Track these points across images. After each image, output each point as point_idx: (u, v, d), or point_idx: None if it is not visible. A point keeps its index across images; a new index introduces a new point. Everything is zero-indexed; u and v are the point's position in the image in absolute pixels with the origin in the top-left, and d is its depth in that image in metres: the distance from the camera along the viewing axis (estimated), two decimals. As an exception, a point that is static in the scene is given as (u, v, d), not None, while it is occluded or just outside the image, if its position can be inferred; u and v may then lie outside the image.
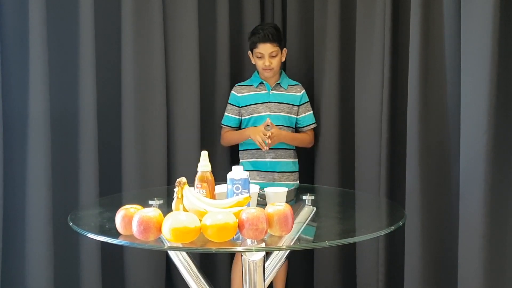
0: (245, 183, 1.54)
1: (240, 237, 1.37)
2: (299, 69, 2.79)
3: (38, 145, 2.26)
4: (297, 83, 2.68)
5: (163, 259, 2.59)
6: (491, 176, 1.89)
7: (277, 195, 1.70)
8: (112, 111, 2.52)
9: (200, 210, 1.40)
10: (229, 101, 2.66)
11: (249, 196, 1.47)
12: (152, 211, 1.36)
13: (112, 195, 2.38)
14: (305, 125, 2.64)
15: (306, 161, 2.75)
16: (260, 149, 2.52)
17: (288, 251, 1.82)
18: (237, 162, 2.62)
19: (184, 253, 1.71)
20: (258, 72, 2.64)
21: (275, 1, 2.88)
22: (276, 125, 2.54)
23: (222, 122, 2.67)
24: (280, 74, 2.65)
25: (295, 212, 1.60)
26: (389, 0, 2.33)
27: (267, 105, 2.59)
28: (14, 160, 2.27)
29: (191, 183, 1.51)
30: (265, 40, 2.52)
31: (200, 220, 1.34)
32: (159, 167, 2.57)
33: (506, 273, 1.93)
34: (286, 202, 1.67)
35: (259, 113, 2.58)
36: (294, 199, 2.04)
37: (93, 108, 2.41)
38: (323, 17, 2.65)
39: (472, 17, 1.91)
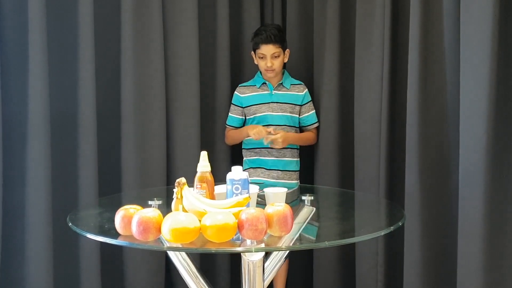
0: (245, 184, 1.54)
1: (240, 238, 1.37)
2: (299, 69, 2.79)
3: (37, 146, 2.26)
4: (300, 82, 2.69)
5: (162, 260, 2.59)
6: (491, 176, 1.89)
7: (277, 195, 1.70)
8: (112, 111, 2.52)
9: (200, 211, 1.40)
10: (232, 102, 2.68)
11: (249, 197, 1.47)
12: (151, 212, 1.36)
13: (112, 195, 2.38)
14: (308, 124, 2.66)
15: (306, 161, 2.75)
16: (264, 147, 2.55)
17: (288, 251, 1.82)
18: (236, 163, 2.61)
19: (183, 253, 1.71)
20: (261, 72, 2.65)
21: (275, 1, 2.88)
22: (279, 125, 2.56)
23: (226, 122, 2.70)
24: (283, 74, 2.66)
25: (295, 212, 1.60)
26: (389, 1, 2.33)
27: (270, 105, 2.60)
28: (14, 160, 2.27)
29: (190, 183, 1.51)
30: (267, 41, 2.54)
31: (200, 221, 1.34)
32: (158, 167, 2.57)
33: (505, 273, 1.93)
34: (289, 202, 1.67)
35: (261, 113, 2.60)
36: (298, 199, 2.04)
37: (93, 108, 2.40)
38: (323, 17, 2.65)
39: (472, 17, 1.91)
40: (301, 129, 2.68)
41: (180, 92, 2.62)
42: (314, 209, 1.79)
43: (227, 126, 2.71)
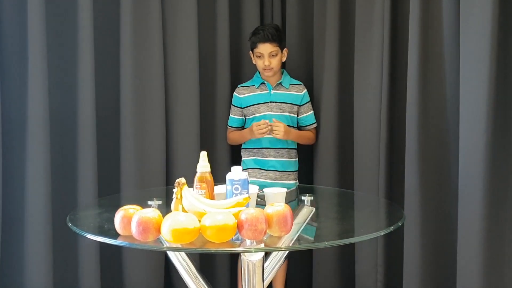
0: (244, 184, 1.54)
1: (239, 238, 1.37)
2: (299, 69, 2.79)
3: (37, 146, 2.26)
4: (299, 82, 2.68)
5: (162, 260, 2.59)
6: (490, 176, 1.90)
7: (276, 195, 1.70)
8: (111, 112, 2.52)
9: (200, 211, 1.40)
10: (232, 103, 2.68)
11: (248, 197, 1.47)
12: (151, 212, 1.36)
13: (111, 195, 2.38)
14: (307, 124, 2.65)
15: (305, 161, 2.75)
16: (262, 147, 2.56)
17: (288, 251, 1.82)
18: (236, 163, 2.61)
19: (183, 253, 1.71)
20: (259, 72, 2.65)
21: (275, 1, 2.87)
22: None
23: (228, 123, 2.70)
24: (282, 73, 2.66)
25: (294, 212, 1.60)
26: (388, 1, 2.33)
27: (268, 105, 2.60)
28: (13, 160, 2.27)
29: (190, 183, 1.51)
30: (264, 40, 2.54)
31: (199, 221, 1.34)
32: (158, 167, 2.57)
33: (505, 273, 1.94)
34: (287, 202, 1.67)
35: (260, 113, 2.59)
36: (296, 200, 2.04)
37: (92, 108, 2.40)
38: (323, 18, 2.65)
39: (471, 17, 1.91)
40: (299, 129, 2.68)
41: (179, 92, 2.62)
42: (314, 209, 1.79)
43: (228, 127, 2.71)
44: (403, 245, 2.23)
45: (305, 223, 1.63)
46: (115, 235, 1.42)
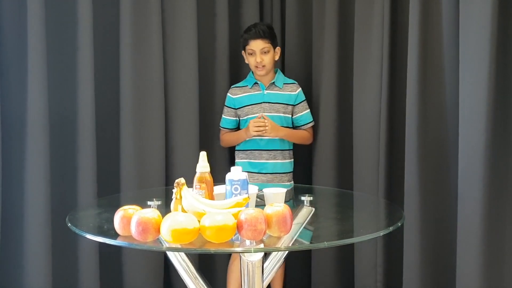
0: (244, 184, 1.54)
1: (239, 238, 1.37)
2: (298, 69, 2.79)
3: (36, 146, 2.26)
4: (293, 81, 2.66)
5: (161, 260, 2.59)
6: (490, 176, 1.90)
7: (276, 195, 1.70)
8: (111, 112, 2.52)
9: (199, 211, 1.40)
10: (225, 104, 2.65)
11: (248, 197, 1.47)
12: (150, 212, 1.36)
13: (111, 195, 2.38)
14: (303, 124, 2.62)
15: (304, 161, 2.75)
16: (254, 149, 2.54)
17: (287, 252, 1.82)
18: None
19: (182, 254, 1.71)
20: (253, 72, 2.63)
21: (274, 1, 2.88)
22: None
23: (220, 124, 2.68)
24: (276, 72, 2.63)
25: (294, 212, 1.60)
26: (388, 1, 2.33)
27: (262, 105, 2.57)
28: (13, 161, 2.27)
29: (189, 184, 1.51)
30: (256, 36, 2.52)
31: (199, 221, 1.34)
32: (157, 167, 2.57)
33: (504, 272, 1.94)
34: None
35: (254, 114, 2.56)
36: (291, 200, 2.03)
37: (92, 109, 2.40)
38: (322, 18, 2.65)
39: (471, 17, 1.91)
40: (295, 129, 2.65)
41: (179, 93, 2.61)
42: (313, 209, 1.79)
43: (221, 128, 2.68)
44: (402, 245, 2.23)
45: (304, 224, 1.63)
46: (115, 235, 1.42)
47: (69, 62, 2.38)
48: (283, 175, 2.57)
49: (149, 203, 1.75)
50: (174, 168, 2.62)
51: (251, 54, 2.55)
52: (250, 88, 2.61)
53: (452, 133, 2.07)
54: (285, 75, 2.70)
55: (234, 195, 1.53)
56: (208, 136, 2.72)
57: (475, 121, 1.90)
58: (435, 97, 2.14)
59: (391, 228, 1.53)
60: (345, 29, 2.60)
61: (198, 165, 1.57)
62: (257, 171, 2.55)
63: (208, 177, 1.57)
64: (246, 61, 2.62)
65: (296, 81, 2.67)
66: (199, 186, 1.55)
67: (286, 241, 1.42)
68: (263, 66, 2.54)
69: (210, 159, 1.61)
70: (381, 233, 1.57)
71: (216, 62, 2.73)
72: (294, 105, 2.61)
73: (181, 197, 1.43)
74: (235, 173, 1.55)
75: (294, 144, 2.64)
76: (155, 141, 2.56)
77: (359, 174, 2.50)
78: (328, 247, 2.51)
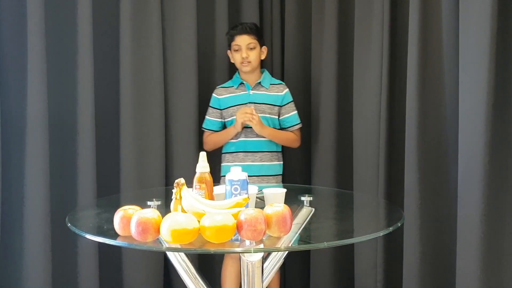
0: (244, 184, 1.54)
1: (239, 238, 1.37)
2: (297, 70, 2.79)
3: (36, 146, 2.26)
4: (281, 82, 2.62)
5: (161, 260, 2.59)
6: (489, 177, 1.89)
7: (276, 196, 1.70)
8: (110, 112, 2.52)
9: (199, 211, 1.40)
10: (210, 104, 2.60)
11: (248, 197, 1.47)
12: (150, 212, 1.36)
13: (110, 196, 2.38)
14: (289, 125, 2.57)
15: (304, 161, 2.75)
16: (240, 151, 2.49)
17: (287, 252, 1.82)
18: (235, 163, 2.62)
19: (182, 254, 1.71)
20: (238, 72, 2.58)
21: (274, 3, 2.87)
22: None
23: (203, 126, 2.60)
24: (262, 72, 2.59)
25: (294, 213, 1.60)
26: (387, 1, 2.33)
27: (247, 106, 2.51)
28: (12, 161, 2.27)
29: (189, 184, 1.51)
30: (242, 31, 2.49)
31: (199, 221, 1.34)
32: (157, 168, 2.57)
33: (504, 272, 1.94)
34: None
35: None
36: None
37: (91, 109, 2.40)
38: (321, 19, 2.65)
39: (470, 17, 1.91)
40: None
41: (178, 93, 2.62)
42: (313, 209, 1.79)
43: (205, 130, 2.60)
44: (402, 245, 2.23)
45: (304, 224, 1.63)
46: (114, 235, 1.42)
47: (68, 62, 2.38)
48: (270, 177, 2.52)
49: (149, 203, 1.75)
50: (174, 168, 2.62)
51: (237, 50, 2.50)
52: (236, 89, 2.56)
53: (452, 133, 2.07)
54: (284, 75, 2.70)
55: (234, 195, 1.53)
56: (208, 136, 2.71)
57: (475, 121, 1.90)
58: (435, 97, 2.14)
59: (391, 228, 1.53)
60: (345, 29, 2.60)
61: (198, 165, 1.57)
62: None
63: (208, 177, 1.57)
64: (232, 60, 2.57)
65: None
66: (199, 186, 1.55)
67: (286, 241, 1.41)
68: (249, 62, 2.49)
69: (209, 160, 1.61)
70: (381, 233, 1.56)
71: (216, 63, 2.73)
72: (281, 106, 2.56)
73: (181, 197, 1.43)
74: (235, 173, 1.55)
75: (282, 147, 2.60)
76: (155, 141, 2.56)
77: (359, 174, 2.50)
78: (328, 247, 2.51)
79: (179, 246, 1.36)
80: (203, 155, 1.58)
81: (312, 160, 2.71)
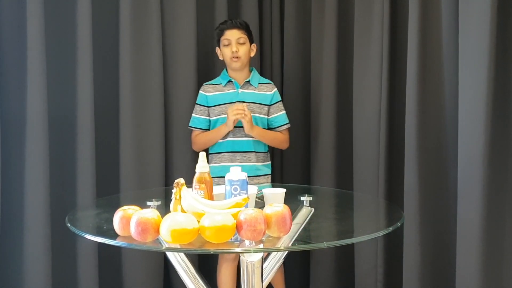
0: (243, 184, 1.54)
1: (239, 238, 1.37)
2: (297, 70, 2.79)
3: (35, 146, 2.26)
4: (269, 81, 2.58)
5: (161, 260, 2.59)
6: (489, 177, 1.90)
7: (275, 196, 1.70)
8: (110, 112, 2.52)
9: (198, 211, 1.40)
10: (197, 102, 2.52)
11: (247, 197, 1.47)
12: (150, 212, 1.35)
13: (110, 196, 2.37)
14: (278, 125, 2.53)
15: (304, 161, 2.75)
16: (228, 152, 2.44)
17: (286, 252, 1.81)
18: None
19: (182, 254, 1.71)
20: (226, 69, 2.54)
21: (273, 3, 2.87)
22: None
23: (191, 124, 2.52)
24: (251, 71, 2.55)
25: (293, 213, 1.60)
26: (387, 1, 2.33)
27: (238, 103, 2.44)
28: (12, 161, 2.27)
29: (189, 184, 1.51)
30: (232, 26, 2.45)
31: (198, 221, 1.34)
32: (157, 168, 2.57)
33: (504, 273, 1.94)
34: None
35: (226, 114, 2.40)
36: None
37: (91, 109, 2.40)
38: (321, 19, 2.65)
39: (470, 18, 1.91)
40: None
41: (178, 93, 2.62)
42: (313, 209, 1.79)
43: (193, 129, 2.53)
44: (402, 245, 2.23)
45: (304, 224, 1.62)
46: (114, 235, 1.42)
47: (68, 61, 2.38)
48: (258, 178, 2.47)
49: (148, 203, 1.75)
50: (174, 168, 2.62)
51: (227, 45, 2.45)
52: (224, 87, 2.51)
53: (452, 133, 2.07)
54: (284, 76, 2.70)
55: (233, 195, 1.53)
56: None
57: (474, 121, 1.90)
58: (435, 97, 2.14)
59: (390, 229, 1.53)
60: (344, 29, 2.60)
61: (197, 165, 1.57)
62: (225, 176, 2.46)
63: (208, 177, 1.56)
64: (221, 57, 2.52)
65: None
66: (198, 187, 1.55)
67: (286, 241, 1.41)
68: (239, 57, 2.44)
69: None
70: (381, 233, 1.56)
71: (216, 63, 2.73)
72: (269, 105, 2.52)
73: (180, 197, 1.43)
74: (235, 173, 1.55)
75: (269, 147, 2.57)
76: (154, 141, 2.56)
77: (359, 174, 2.50)
78: (328, 247, 2.51)
79: (179, 246, 1.36)
80: (202, 155, 1.58)
81: (312, 160, 2.71)
